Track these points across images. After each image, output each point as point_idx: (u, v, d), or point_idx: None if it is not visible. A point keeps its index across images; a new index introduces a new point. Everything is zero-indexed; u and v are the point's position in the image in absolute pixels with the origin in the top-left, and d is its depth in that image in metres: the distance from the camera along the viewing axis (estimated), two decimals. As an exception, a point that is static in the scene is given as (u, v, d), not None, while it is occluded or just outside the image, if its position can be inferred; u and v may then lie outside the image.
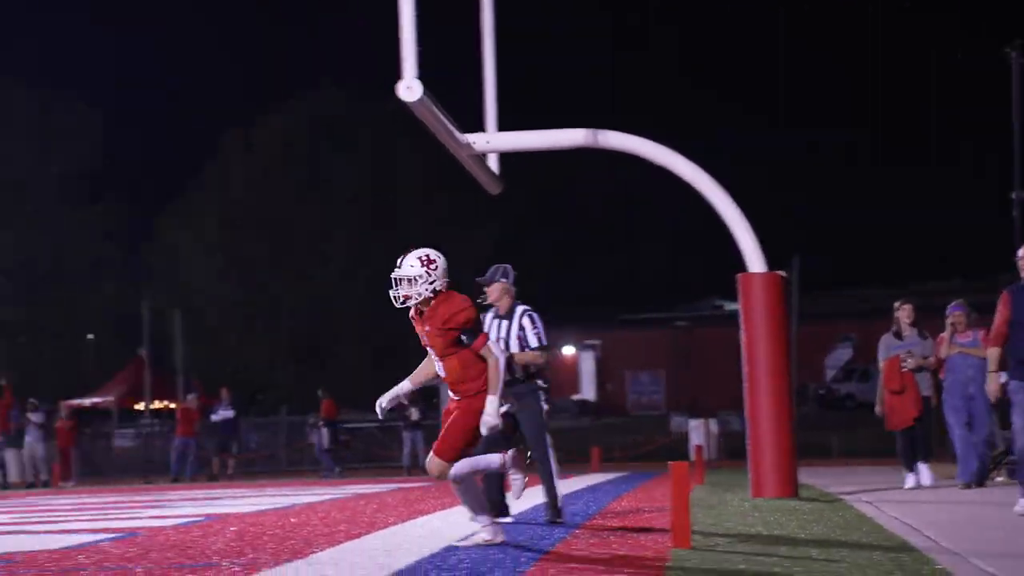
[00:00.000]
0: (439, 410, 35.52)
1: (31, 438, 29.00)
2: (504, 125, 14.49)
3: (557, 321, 63.88)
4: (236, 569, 8.03)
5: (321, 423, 30.80)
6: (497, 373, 8.75)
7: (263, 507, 15.03)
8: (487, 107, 14.51)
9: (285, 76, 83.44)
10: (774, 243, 15.22)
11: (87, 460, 33.14)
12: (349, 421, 38.65)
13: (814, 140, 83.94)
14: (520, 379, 11.14)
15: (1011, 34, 35.45)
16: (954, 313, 15.18)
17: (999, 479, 16.05)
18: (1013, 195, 35.27)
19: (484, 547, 8.83)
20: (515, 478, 9.14)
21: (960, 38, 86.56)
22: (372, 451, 36.15)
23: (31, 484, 28.55)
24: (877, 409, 16.09)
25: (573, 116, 17.56)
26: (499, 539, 8.97)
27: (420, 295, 8.75)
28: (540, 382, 11.24)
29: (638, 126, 15.49)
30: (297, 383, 56.94)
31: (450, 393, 8.95)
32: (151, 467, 31.94)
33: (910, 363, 15.61)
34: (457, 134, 13.56)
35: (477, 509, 9.06)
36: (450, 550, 8.80)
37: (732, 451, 32.28)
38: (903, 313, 15.92)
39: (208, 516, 13.47)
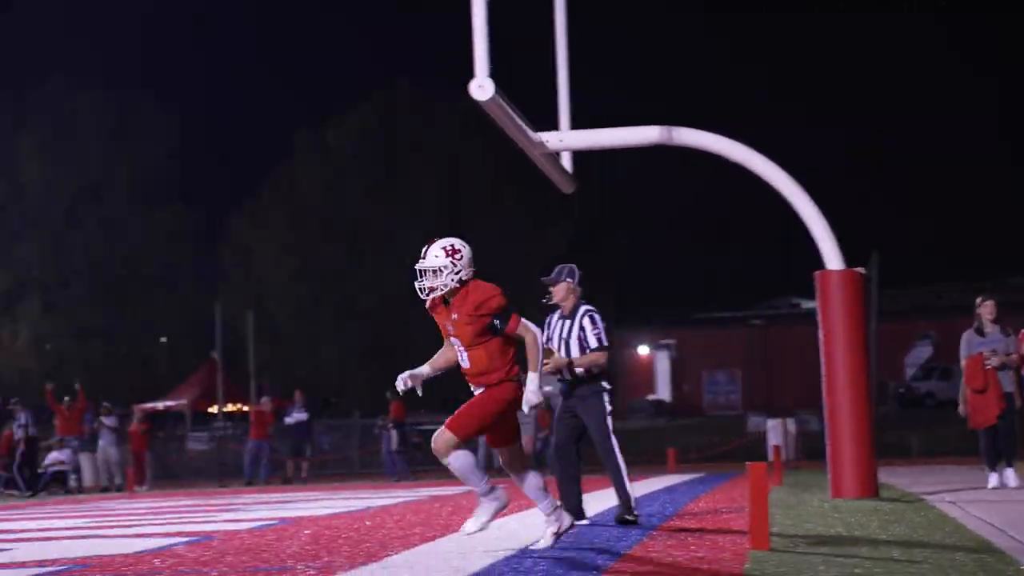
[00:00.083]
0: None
1: (104, 442, 29.19)
2: (576, 123, 14.39)
3: (632, 321, 64.02)
4: (311, 572, 7.99)
5: (390, 425, 30.72)
6: (537, 349, 8.59)
7: (337, 510, 15.01)
8: (560, 105, 14.41)
9: (358, 76, 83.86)
10: (852, 239, 15.04)
11: (161, 464, 33.25)
12: (423, 423, 38.60)
13: (893, 134, 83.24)
14: (584, 380, 11.07)
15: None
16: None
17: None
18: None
19: (560, 550, 8.73)
20: (484, 508, 8.86)
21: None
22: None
23: (105, 488, 28.73)
24: (960, 408, 15.87)
25: (645, 113, 17.45)
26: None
27: (446, 286, 8.61)
28: (604, 383, 11.15)
29: (711, 122, 15.34)
30: (370, 385, 57.06)
31: (472, 387, 8.79)
32: (225, 470, 31.99)
33: (993, 361, 15.37)
34: (530, 132, 13.47)
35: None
36: (525, 552, 8.73)
37: (810, 451, 31.99)
38: (985, 310, 15.69)
39: (282, 519, 13.45)
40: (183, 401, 49.33)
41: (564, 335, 11.16)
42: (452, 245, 8.69)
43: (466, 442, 8.70)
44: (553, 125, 14.25)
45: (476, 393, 8.76)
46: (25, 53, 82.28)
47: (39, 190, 64.41)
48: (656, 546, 8.94)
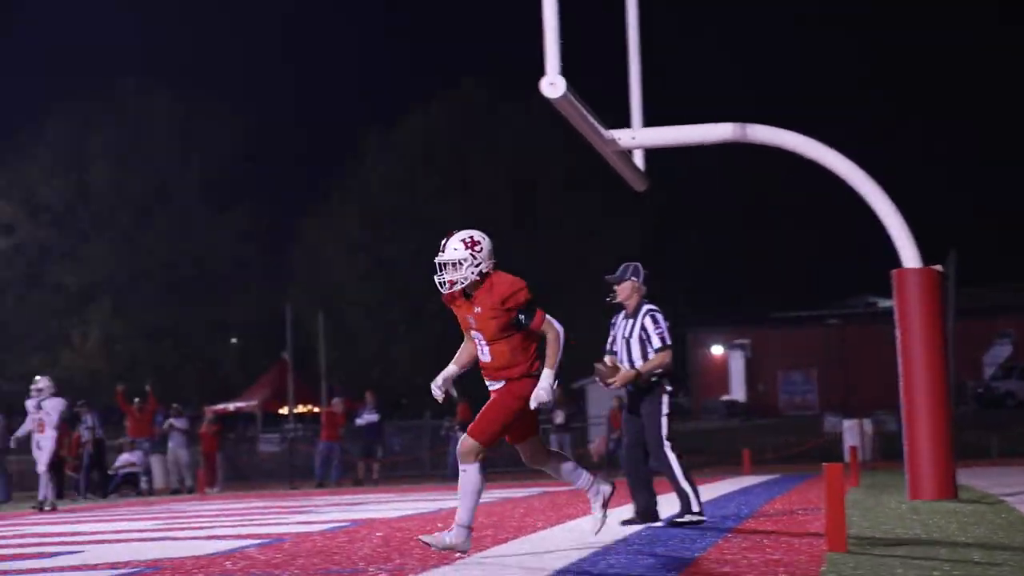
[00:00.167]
0: (586, 412, 35.43)
1: (174, 444, 29.26)
2: (648, 120, 14.26)
3: (705, 321, 63.70)
4: (382, 575, 7.96)
5: (457, 427, 30.59)
6: (557, 346, 8.45)
7: (409, 512, 14.98)
8: (632, 102, 14.28)
9: (427, 74, 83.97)
10: (930, 237, 14.83)
11: (232, 465, 33.32)
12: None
13: (966, 128, 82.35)
14: (655, 382, 10.97)
15: None
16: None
17: None
18: None
19: (634, 552, 8.63)
20: (453, 534, 8.65)
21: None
22: (517, 454, 35.93)
23: (176, 490, 28.83)
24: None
25: (715, 110, 17.32)
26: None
27: (466, 279, 8.50)
28: (665, 383, 11.03)
29: (783, 119, 15.16)
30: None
31: (489, 383, 8.67)
32: (296, 472, 32.00)
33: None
34: (601, 130, 13.35)
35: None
36: (599, 554, 8.66)
37: (888, 452, 31.66)
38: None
39: (354, 521, 13.43)
40: (253, 402, 49.47)
41: (626, 334, 11.10)
42: (471, 237, 8.57)
43: (491, 446, 8.59)
44: (625, 122, 14.13)
45: (492, 389, 8.64)
46: (94, 55, 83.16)
47: (109, 191, 64.99)
48: (731, 548, 8.83)
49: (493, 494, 19.11)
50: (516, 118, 59.78)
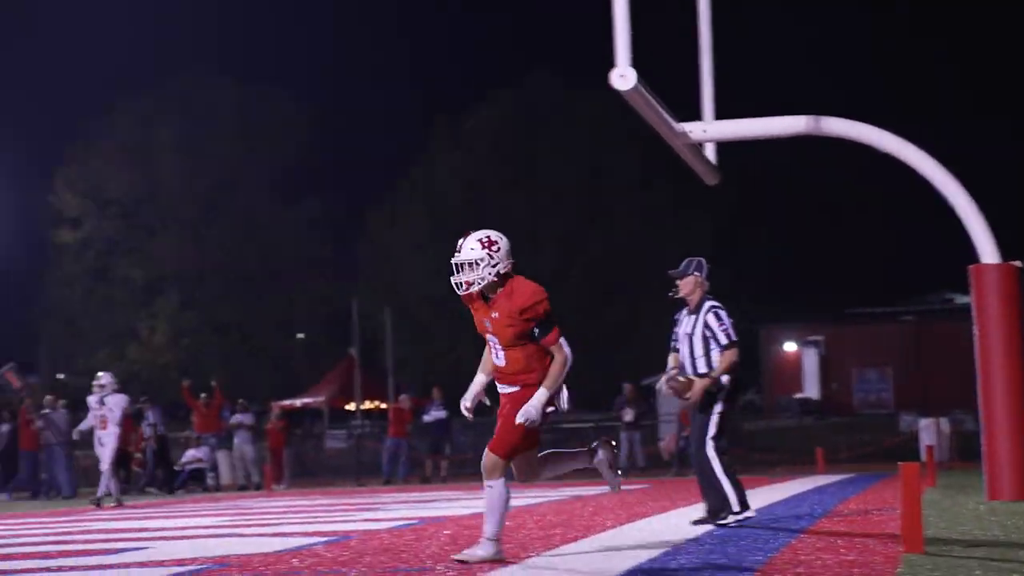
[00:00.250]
0: (656, 410, 35.18)
1: (239, 439, 29.19)
2: (719, 113, 14.09)
3: (778, 317, 63.26)
4: (451, 574, 7.91)
5: None
6: (561, 370, 8.29)
7: (477, 510, 14.83)
8: (703, 94, 14.12)
9: (495, 68, 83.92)
10: (1008, 232, 14.58)
11: (298, 462, 33.26)
12: (563, 421, 38.26)
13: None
14: (704, 376, 10.86)
15: None
16: None
17: None
18: None
19: (706, 552, 8.50)
20: (482, 547, 8.45)
21: None
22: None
23: (243, 486, 28.77)
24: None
25: (787, 102, 17.07)
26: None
27: (483, 279, 8.35)
28: (722, 379, 10.87)
29: (855, 113, 14.93)
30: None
31: (501, 387, 8.52)
32: (363, 469, 31.92)
33: None
34: (672, 123, 13.21)
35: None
36: (670, 554, 8.59)
37: (965, 451, 31.25)
38: None
39: (422, 519, 13.37)
40: (320, 398, 49.39)
41: (688, 331, 11.01)
42: (488, 237, 8.44)
43: (513, 458, 8.43)
44: (697, 115, 13.97)
45: (504, 392, 8.48)
46: (160, 48, 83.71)
47: (176, 184, 65.13)
48: (804, 548, 8.71)
49: (562, 492, 18.98)
50: (586, 111, 59.49)
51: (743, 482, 11.04)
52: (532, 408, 8.24)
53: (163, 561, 9.48)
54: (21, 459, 28.36)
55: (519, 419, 8.26)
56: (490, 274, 8.34)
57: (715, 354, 10.90)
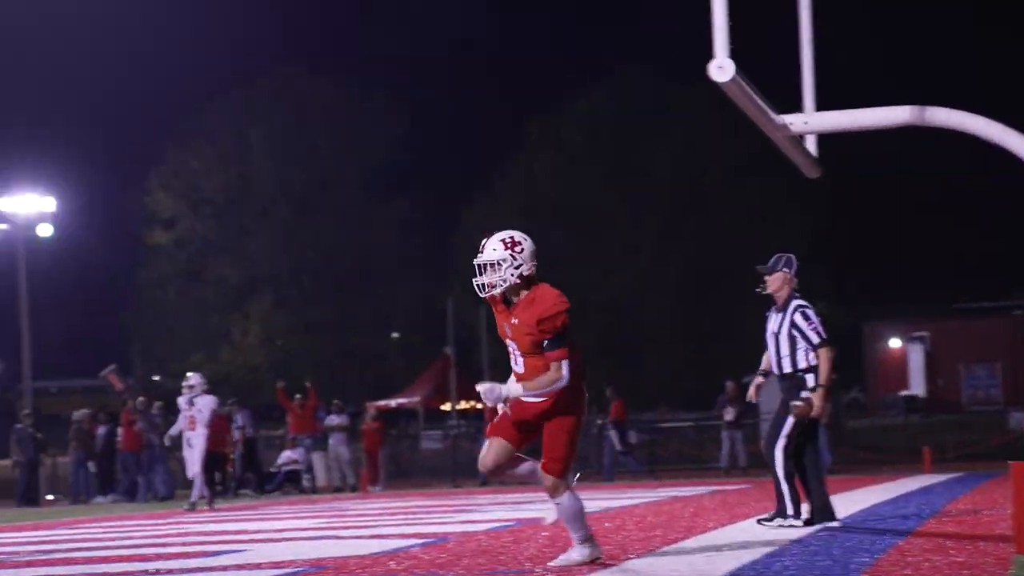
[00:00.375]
0: (757, 409, 34.79)
1: (334, 441, 29.03)
2: (821, 104, 13.82)
3: (882, 312, 62.51)
4: (549, 576, 7.79)
5: (610, 425, 30.08)
6: (548, 384, 8.01)
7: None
8: (804, 85, 13.80)
9: (591, 61, 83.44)
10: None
11: (394, 463, 33.08)
12: (663, 420, 37.95)
13: None
14: (789, 375, 10.80)
15: None
16: None
17: None
18: None
19: (810, 553, 8.30)
20: (575, 551, 8.39)
21: None
22: (685, 451, 35.38)
23: (338, 488, 28.67)
24: None
25: (892, 92, 16.76)
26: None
27: (506, 281, 8.10)
28: (807, 378, 10.67)
29: (962, 101, 14.57)
30: (609, 380, 56.95)
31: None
32: (459, 470, 31.73)
33: None
34: (772, 115, 12.92)
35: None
36: (773, 556, 8.46)
37: (1076, 449, 30.64)
38: None
39: (519, 521, 13.30)
40: (416, 398, 49.21)
41: (775, 329, 10.95)
42: (512, 237, 8.19)
43: (565, 473, 8.26)
44: (797, 107, 13.72)
45: (526, 401, 8.19)
46: (254, 45, 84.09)
47: (269, 183, 65.02)
48: (912, 550, 8.54)
49: (661, 493, 18.78)
50: (683, 104, 59.01)
51: (839, 484, 10.88)
52: (501, 388, 8.05)
53: (260, 564, 9.49)
54: (119, 461, 28.57)
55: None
56: (513, 276, 8.12)
57: (800, 353, 10.80)
